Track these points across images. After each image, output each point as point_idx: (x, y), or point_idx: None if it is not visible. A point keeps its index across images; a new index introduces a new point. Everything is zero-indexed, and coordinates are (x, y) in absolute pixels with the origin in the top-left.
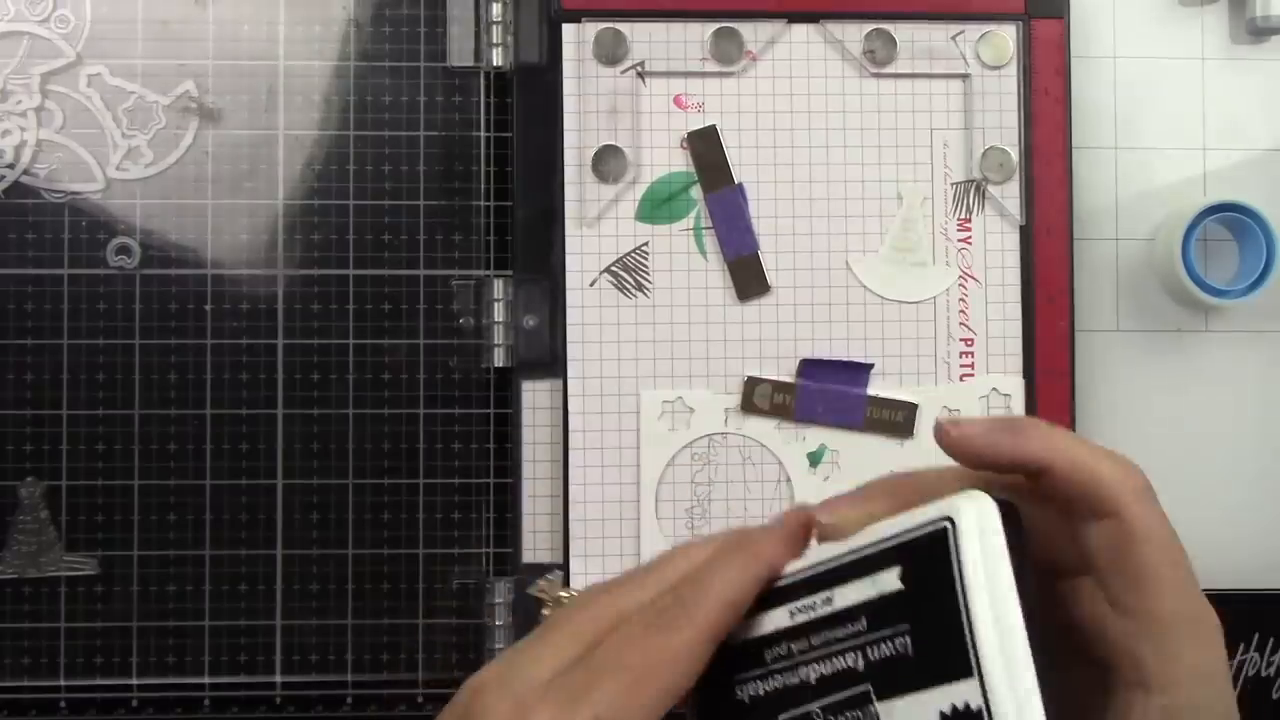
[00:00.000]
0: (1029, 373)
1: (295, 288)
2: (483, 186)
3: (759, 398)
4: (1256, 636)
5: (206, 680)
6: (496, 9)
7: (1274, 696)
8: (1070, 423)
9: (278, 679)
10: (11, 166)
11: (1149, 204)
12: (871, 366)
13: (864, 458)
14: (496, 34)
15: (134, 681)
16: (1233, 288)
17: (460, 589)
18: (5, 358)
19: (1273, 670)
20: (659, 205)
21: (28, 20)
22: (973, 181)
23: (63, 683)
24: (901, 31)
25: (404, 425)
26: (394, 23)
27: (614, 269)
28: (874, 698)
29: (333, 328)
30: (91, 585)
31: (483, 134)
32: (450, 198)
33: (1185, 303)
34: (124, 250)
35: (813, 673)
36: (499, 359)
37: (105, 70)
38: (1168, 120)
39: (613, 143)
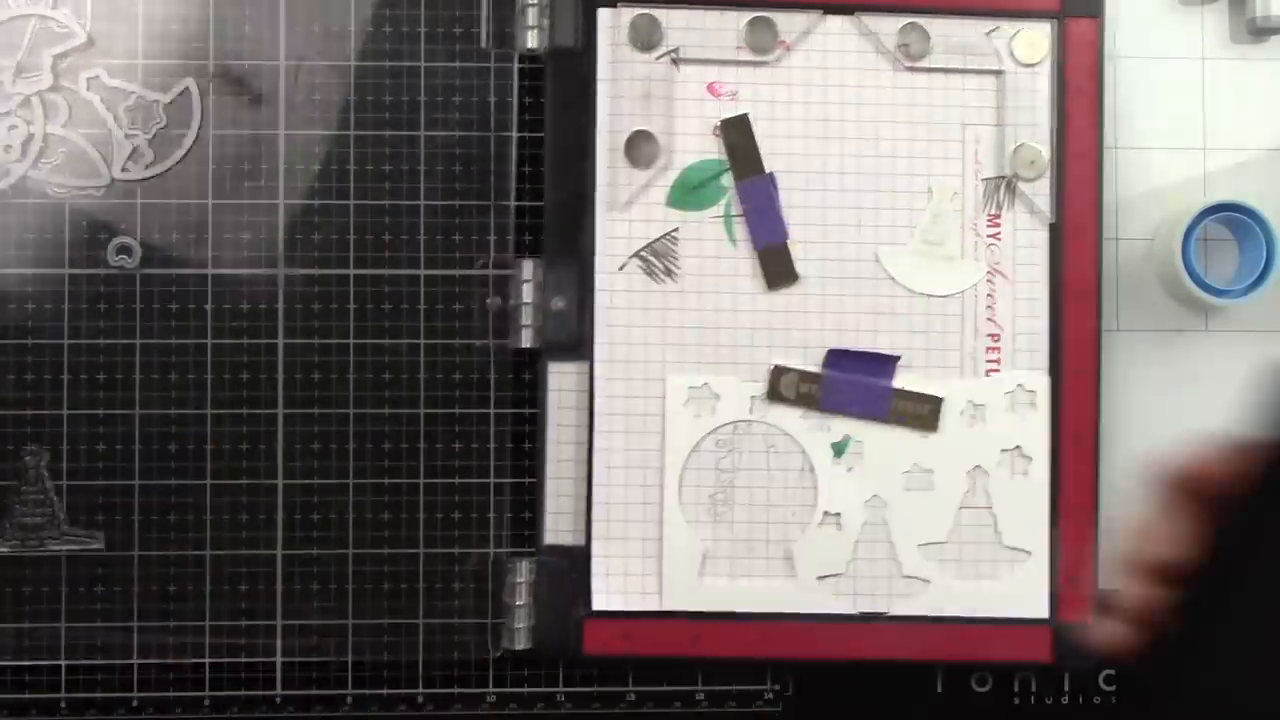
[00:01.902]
0: (1055, 370)
1: (296, 287)
2: (514, 169)
3: (785, 387)
4: None
5: (207, 680)
6: None
7: None
8: (1095, 421)
9: (278, 679)
10: (19, 161)
11: (1149, 204)
12: (898, 359)
13: (888, 450)
14: (532, 17)
15: (134, 679)
16: (1233, 288)
17: (478, 573)
18: (5, 358)
19: None
20: (690, 192)
21: (31, 17)
22: (1003, 178)
23: (63, 681)
24: (936, 26)
25: (404, 425)
26: (430, 5)
27: (643, 254)
28: None
29: (333, 328)
30: (91, 585)
31: (515, 118)
32: (484, 180)
33: (1185, 303)
34: (124, 250)
35: None
36: (526, 340)
37: (104, 71)
38: (1168, 120)
39: (645, 128)
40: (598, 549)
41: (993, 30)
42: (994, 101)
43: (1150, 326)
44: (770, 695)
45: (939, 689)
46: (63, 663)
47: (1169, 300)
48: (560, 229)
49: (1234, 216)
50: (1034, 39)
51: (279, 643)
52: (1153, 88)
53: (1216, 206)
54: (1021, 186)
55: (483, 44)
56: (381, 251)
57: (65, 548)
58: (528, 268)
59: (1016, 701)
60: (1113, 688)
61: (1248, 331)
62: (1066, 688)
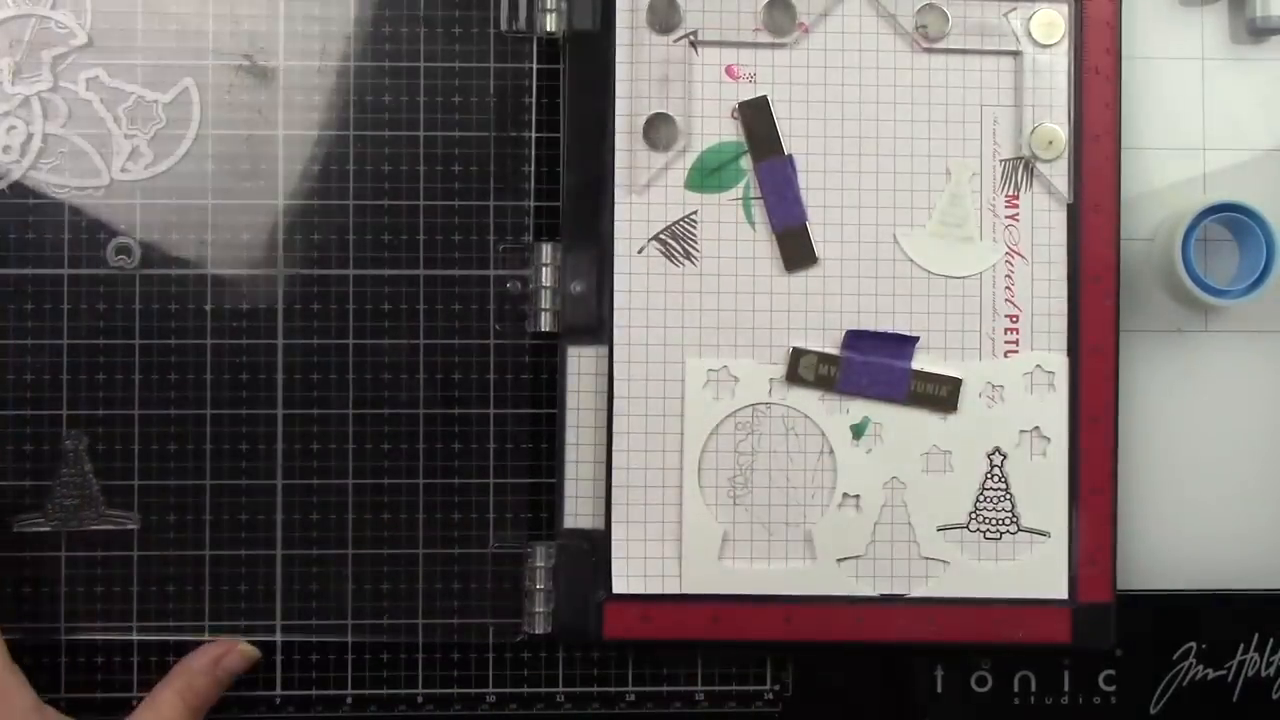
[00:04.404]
0: (1074, 350)
1: (295, 287)
2: (532, 153)
3: (804, 369)
4: (1256, 636)
5: None
6: None
7: (1274, 696)
8: (1113, 402)
9: (277, 679)
10: (18, 162)
11: (1149, 204)
12: (917, 340)
13: (907, 431)
14: (550, 0)
15: (134, 680)
16: (1233, 288)
17: (497, 556)
18: (5, 358)
19: (1272, 670)
20: (709, 174)
21: (30, 17)
22: (1021, 159)
23: (63, 681)
24: (953, 7)
25: (404, 425)
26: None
27: (662, 237)
28: None
29: (333, 328)
30: (91, 585)
31: (533, 100)
32: (503, 163)
33: (1185, 303)
34: (124, 250)
35: None
36: (544, 323)
37: (103, 71)
38: (1168, 120)
39: (664, 111)
40: (617, 532)
41: (1010, 10)
42: (1012, 82)
43: (1150, 326)
44: (770, 695)
45: (939, 689)
46: (62, 662)
47: (1169, 300)
48: (578, 212)
49: (1234, 216)
50: (1052, 19)
51: (279, 642)
52: (1152, 88)
53: (1216, 206)
54: (1040, 167)
55: (501, 27)
56: (381, 251)
57: (103, 527)
58: (546, 251)
59: (1016, 702)
60: (1113, 688)
61: (1248, 331)
62: (1066, 687)
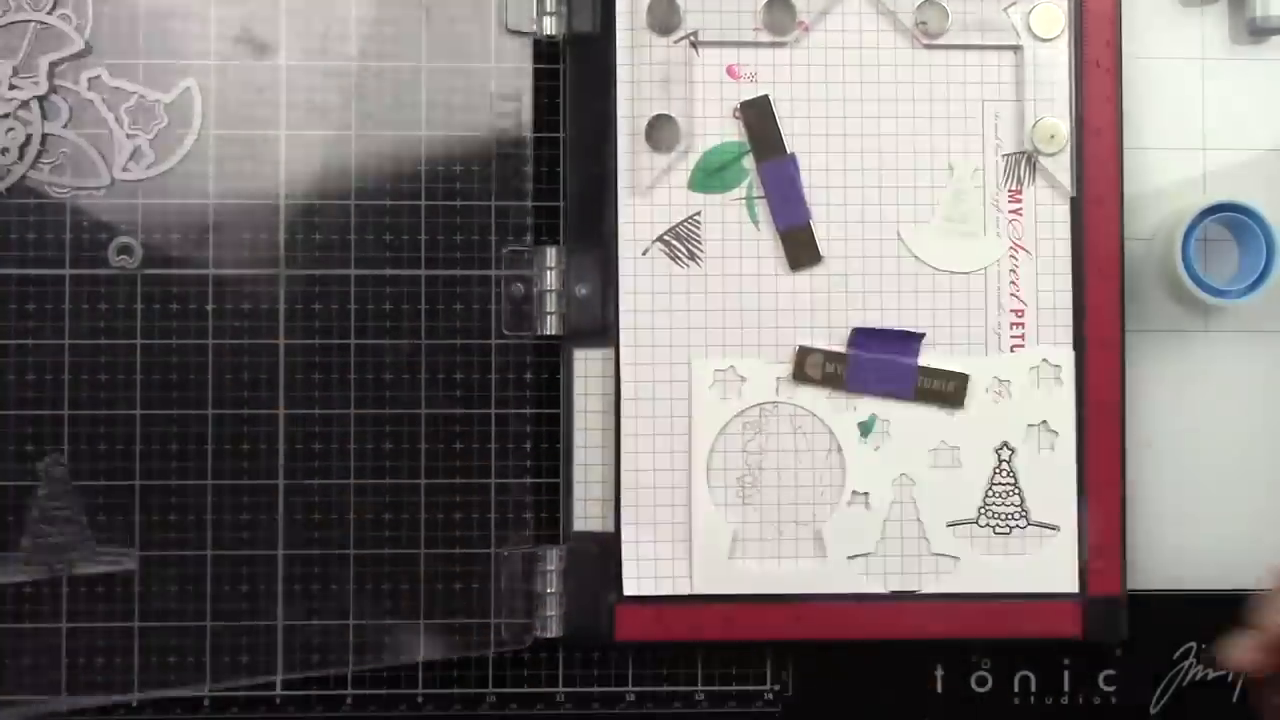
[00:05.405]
0: (1079, 344)
1: (297, 287)
2: (531, 154)
3: (810, 367)
4: None
5: (207, 679)
6: None
7: None
8: (1120, 394)
9: (278, 679)
10: (19, 161)
11: (1149, 204)
12: (923, 336)
13: (915, 428)
14: (550, 2)
15: (134, 680)
16: (1233, 288)
17: (505, 557)
18: (5, 358)
19: None
20: (711, 175)
21: (30, 20)
22: (1024, 153)
23: (63, 681)
24: (953, 3)
25: (404, 425)
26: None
27: (666, 238)
28: None
29: (334, 328)
30: (92, 586)
31: (532, 101)
32: (505, 165)
33: (1185, 303)
34: (125, 250)
35: None
36: (550, 327)
37: (105, 71)
38: (1168, 120)
39: (665, 112)
40: (627, 534)
41: (1010, 5)
42: (1013, 77)
43: (1150, 326)
44: (770, 695)
45: (939, 689)
46: (63, 662)
47: (1169, 300)
48: (582, 215)
49: (1234, 216)
50: (1051, 13)
51: (279, 642)
52: (1153, 88)
53: (1216, 206)
54: (1042, 161)
55: (499, 30)
56: (382, 251)
57: (97, 569)
58: (551, 254)
59: (1016, 702)
60: (1113, 688)
61: (1248, 331)
62: (1066, 687)
